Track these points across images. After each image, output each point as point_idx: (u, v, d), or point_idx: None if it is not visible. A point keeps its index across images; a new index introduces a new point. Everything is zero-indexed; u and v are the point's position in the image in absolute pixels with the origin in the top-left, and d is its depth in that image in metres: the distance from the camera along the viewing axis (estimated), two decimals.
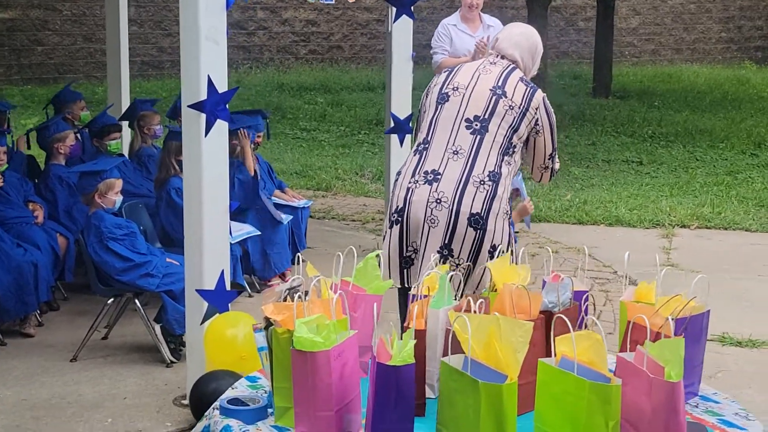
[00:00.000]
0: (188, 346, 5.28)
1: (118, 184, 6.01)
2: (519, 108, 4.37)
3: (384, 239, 4.39)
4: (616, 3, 19.89)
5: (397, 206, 4.32)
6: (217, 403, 3.08)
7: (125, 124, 8.54)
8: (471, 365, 2.65)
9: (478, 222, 4.21)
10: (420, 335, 3.06)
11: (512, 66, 4.52)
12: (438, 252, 4.15)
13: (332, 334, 2.84)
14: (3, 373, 5.74)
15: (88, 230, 5.91)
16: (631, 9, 24.45)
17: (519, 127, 4.37)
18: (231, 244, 6.57)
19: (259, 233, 7.08)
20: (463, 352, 2.69)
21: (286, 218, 7.41)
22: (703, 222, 9.75)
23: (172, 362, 5.84)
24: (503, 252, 4.06)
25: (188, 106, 4.99)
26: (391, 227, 4.34)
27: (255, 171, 7.21)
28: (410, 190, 4.30)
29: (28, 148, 7.85)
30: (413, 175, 4.33)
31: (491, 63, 4.53)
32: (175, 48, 20.23)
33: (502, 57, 4.56)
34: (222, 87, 5.03)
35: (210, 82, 4.97)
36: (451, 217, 4.20)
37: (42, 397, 5.39)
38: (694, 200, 10.69)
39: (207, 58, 4.96)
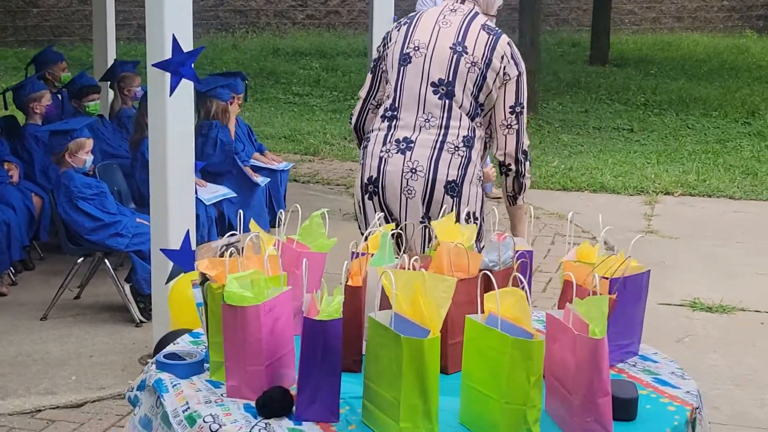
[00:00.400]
0: (154, 306, 5.32)
1: (89, 143, 6.02)
2: (482, 62, 4.11)
3: (361, 210, 4.27)
4: None
5: (371, 176, 4.17)
6: (155, 358, 3.10)
7: (106, 85, 8.54)
8: (396, 320, 2.66)
9: (454, 189, 4.10)
10: (356, 292, 3.07)
11: (473, 12, 4.22)
12: (420, 223, 4.11)
13: (264, 290, 2.85)
14: None
15: (57, 189, 5.93)
16: None
17: (483, 84, 4.12)
18: (206, 205, 6.61)
19: (235, 195, 7.09)
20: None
21: (262, 180, 7.42)
22: (688, 189, 9.76)
23: (141, 322, 5.87)
24: (476, 219, 4.06)
25: (153, 65, 4.99)
26: (370, 198, 4.20)
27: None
28: (383, 159, 4.13)
29: (5, 108, 7.83)
30: (384, 143, 4.15)
31: (451, 10, 4.22)
32: None
33: (462, 1, 4.26)
34: (187, 46, 5.03)
35: (175, 41, 4.96)
36: (427, 186, 4.09)
37: (9, 354, 5.44)
38: (681, 168, 10.68)
39: (172, 16, 4.95)
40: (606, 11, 18.68)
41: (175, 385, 2.89)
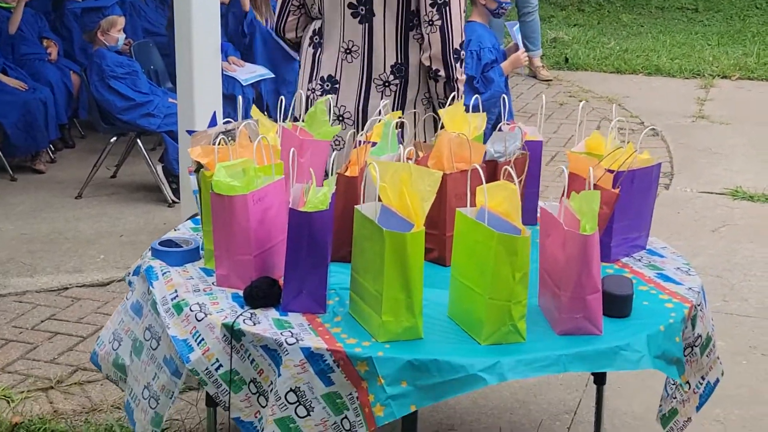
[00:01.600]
0: (181, 187, 5.32)
1: (120, 21, 5.99)
2: None
3: None
4: None
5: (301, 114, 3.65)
6: (150, 244, 3.10)
7: None
8: (382, 213, 2.61)
9: None
10: (352, 182, 3.02)
11: None
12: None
13: (254, 179, 2.81)
14: (8, 207, 5.87)
15: (90, 68, 5.93)
16: None
17: None
18: (243, 86, 6.56)
19: (273, 75, 7.02)
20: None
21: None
22: (746, 72, 9.48)
23: (174, 202, 5.90)
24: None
25: None
26: None
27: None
28: (309, 100, 3.67)
29: None
30: (310, 80, 3.66)
31: None
32: None
33: None
34: None
35: None
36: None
37: (42, 232, 5.52)
38: (742, 50, 10.36)
39: None
40: None
41: (165, 272, 2.89)
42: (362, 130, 3.41)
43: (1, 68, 6.42)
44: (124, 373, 3.00)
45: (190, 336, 2.62)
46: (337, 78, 3.61)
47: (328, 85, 3.63)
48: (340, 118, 3.57)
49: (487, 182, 2.65)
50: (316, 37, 3.64)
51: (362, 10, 3.50)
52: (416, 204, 2.59)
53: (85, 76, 5.99)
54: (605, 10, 12.62)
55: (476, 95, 3.46)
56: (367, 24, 3.51)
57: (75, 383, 3.95)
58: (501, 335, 2.52)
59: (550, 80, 9.28)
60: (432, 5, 3.45)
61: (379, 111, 3.33)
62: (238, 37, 7.12)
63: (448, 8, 3.47)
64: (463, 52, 3.60)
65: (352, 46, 3.56)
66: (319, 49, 3.63)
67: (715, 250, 5.44)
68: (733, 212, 6.05)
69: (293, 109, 3.58)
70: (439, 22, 3.48)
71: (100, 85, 5.85)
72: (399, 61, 3.56)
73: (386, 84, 3.58)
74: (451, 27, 3.50)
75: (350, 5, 3.50)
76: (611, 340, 2.55)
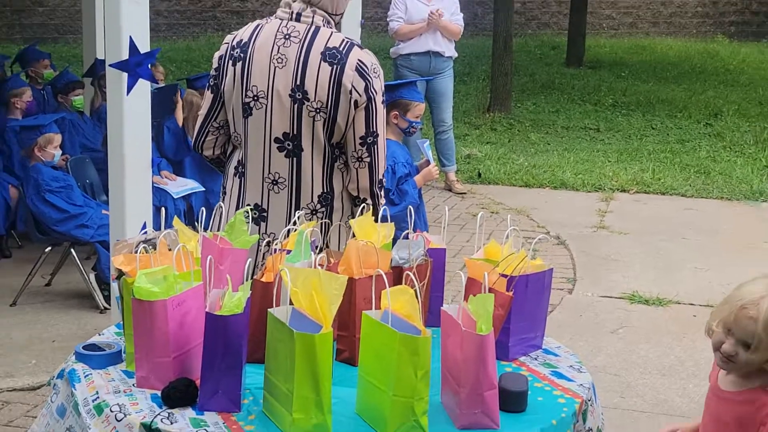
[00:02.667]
0: (112, 294, 5.29)
1: (57, 138, 6.01)
2: (327, 105, 3.42)
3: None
4: None
5: None
6: (74, 348, 3.08)
7: (89, 81, 8.50)
8: (293, 316, 2.64)
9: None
10: (268, 287, 3.04)
11: (312, 30, 3.44)
12: None
13: (174, 285, 2.82)
14: None
15: (27, 182, 5.93)
16: None
17: (334, 127, 3.46)
18: (174, 199, 6.58)
19: (203, 189, 7.05)
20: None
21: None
22: (643, 187, 9.74)
23: (105, 308, 5.86)
24: None
25: (110, 65, 4.95)
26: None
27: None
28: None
29: None
30: (237, 207, 3.61)
31: (285, 37, 3.44)
32: (171, 11, 20.14)
33: (299, 13, 3.46)
34: (144, 47, 4.99)
35: (132, 42, 4.93)
36: None
37: None
38: (639, 166, 10.65)
39: (129, 18, 4.91)
40: (582, 15, 18.62)
41: (87, 375, 2.87)
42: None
43: None
44: None
45: None
46: (264, 207, 3.58)
47: (256, 214, 3.59)
48: (268, 245, 3.46)
49: (392, 286, 2.69)
50: (240, 167, 3.60)
51: (289, 145, 3.49)
52: (325, 307, 2.62)
53: (22, 189, 5.98)
54: (515, 129, 12.93)
55: (385, 207, 3.53)
56: (295, 158, 3.50)
57: None
58: (405, 430, 2.54)
59: (464, 193, 9.44)
60: (362, 144, 3.49)
61: (294, 222, 3.37)
62: (173, 151, 7.16)
63: (376, 146, 3.52)
64: (384, 179, 3.66)
65: (278, 178, 3.54)
66: (244, 179, 3.60)
67: (613, 350, 5.53)
68: (630, 315, 6.17)
69: (220, 220, 3.61)
70: (368, 159, 3.52)
71: (36, 198, 5.84)
72: (325, 191, 3.57)
73: (313, 212, 3.57)
74: (378, 162, 3.55)
75: (276, 140, 3.49)
76: None
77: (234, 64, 3.51)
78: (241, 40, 3.53)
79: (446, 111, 9.41)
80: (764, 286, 2.74)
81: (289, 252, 3.18)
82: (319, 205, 3.58)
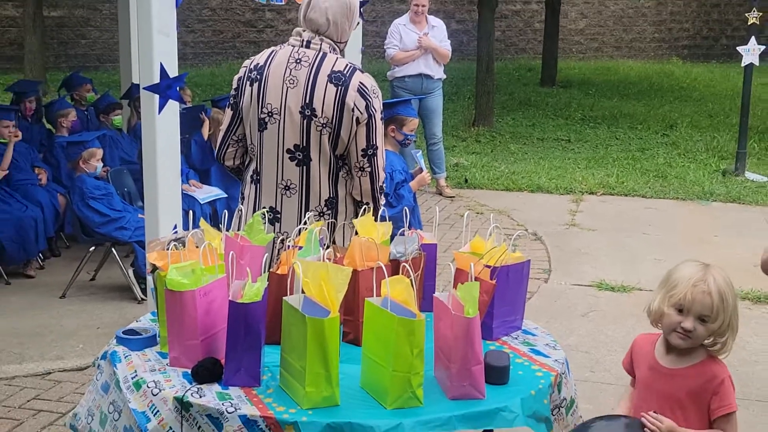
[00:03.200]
0: (148, 287, 5.29)
1: (99, 152, 6.00)
2: (332, 121, 3.44)
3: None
4: (565, 7, 19.72)
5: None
6: (115, 333, 3.08)
7: (126, 102, 8.50)
8: (304, 303, 2.64)
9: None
10: (282, 279, 3.04)
11: (320, 56, 3.47)
12: None
13: (201, 277, 2.83)
14: (2, 306, 5.76)
15: (73, 191, 5.93)
16: (579, 13, 24.18)
17: (338, 140, 3.47)
18: (201, 204, 6.58)
19: (226, 195, 7.05)
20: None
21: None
22: (608, 189, 9.73)
23: (142, 299, 5.86)
24: None
25: (144, 88, 4.96)
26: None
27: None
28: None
29: (40, 121, 7.81)
30: (254, 209, 3.64)
31: (296, 61, 3.47)
32: (197, 42, 20.15)
33: (309, 41, 3.49)
34: (173, 72, 4.99)
35: (162, 69, 4.93)
36: None
37: (29, 326, 5.42)
38: (605, 172, 10.64)
39: (159, 48, 4.91)
40: (554, 41, 18.63)
41: (126, 356, 2.88)
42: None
43: None
44: None
45: (147, 408, 2.60)
46: (278, 210, 3.58)
47: (271, 215, 3.60)
48: (282, 242, 3.46)
49: (391, 277, 2.70)
50: (256, 175, 3.61)
51: (299, 155, 3.49)
52: (332, 295, 2.63)
53: (69, 197, 5.97)
54: (497, 141, 12.93)
55: (384, 208, 3.54)
56: (304, 167, 3.50)
57: None
58: (403, 401, 2.54)
59: (453, 197, 9.44)
60: (363, 156, 3.50)
61: (305, 222, 3.38)
62: (200, 162, 7.16)
63: (376, 157, 3.53)
64: (384, 186, 3.67)
65: (290, 184, 3.54)
66: (259, 185, 3.60)
67: (584, 331, 5.53)
68: (599, 300, 6.17)
69: (240, 221, 3.62)
70: (369, 169, 3.53)
71: (81, 205, 5.84)
72: (331, 196, 3.57)
73: (321, 214, 3.57)
74: (378, 170, 3.56)
75: (288, 151, 3.49)
76: (492, 403, 2.59)
77: (251, 85, 3.53)
78: (258, 64, 3.55)
79: (437, 125, 9.42)
80: (696, 267, 2.75)
81: (300, 248, 3.19)
82: (326, 208, 3.59)
